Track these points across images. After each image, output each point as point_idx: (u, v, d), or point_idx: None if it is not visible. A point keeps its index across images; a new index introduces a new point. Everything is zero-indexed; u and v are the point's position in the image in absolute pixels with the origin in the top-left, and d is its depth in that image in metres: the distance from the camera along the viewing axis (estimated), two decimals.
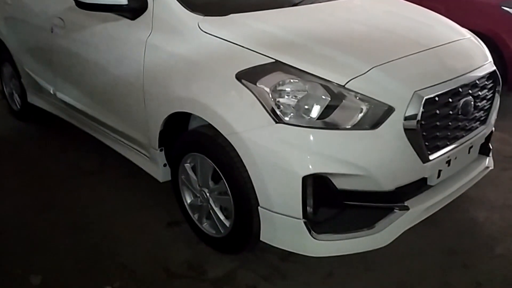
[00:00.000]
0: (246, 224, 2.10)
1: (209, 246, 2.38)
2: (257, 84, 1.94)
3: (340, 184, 1.92)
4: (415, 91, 1.95)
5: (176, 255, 2.35)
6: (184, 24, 2.27)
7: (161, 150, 2.49)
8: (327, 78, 1.93)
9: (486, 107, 2.38)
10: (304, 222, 1.94)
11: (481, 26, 3.85)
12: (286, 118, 1.90)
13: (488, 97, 2.37)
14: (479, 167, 2.45)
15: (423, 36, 2.36)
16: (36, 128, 3.88)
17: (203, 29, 2.20)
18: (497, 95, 2.45)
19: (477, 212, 2.67)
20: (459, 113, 2.13)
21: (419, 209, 2.08)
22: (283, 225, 1.99)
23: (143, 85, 2.39)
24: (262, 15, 2.34)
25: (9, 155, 3.48)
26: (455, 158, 2.18)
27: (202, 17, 2.25)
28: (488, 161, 2.55)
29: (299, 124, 1.89)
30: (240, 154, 1.99)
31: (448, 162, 2.15)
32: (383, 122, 1.91)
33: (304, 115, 1.90)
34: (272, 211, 1.98)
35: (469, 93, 2.18)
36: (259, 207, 2.02)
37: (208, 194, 2.28)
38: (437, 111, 2.03)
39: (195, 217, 2.42)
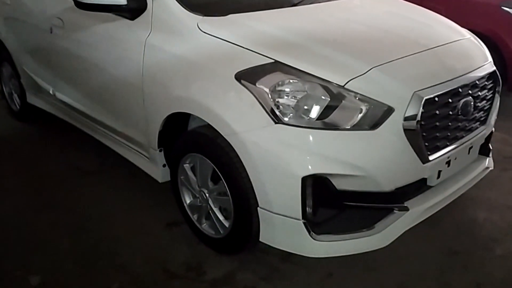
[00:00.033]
0: (245, 224, 2.10)
1: (209, 246, 2.37)
2: (257, 84, 1.94)
3: (339, 184, 1.92)
4: (415, 92, 1.95)
5: (175, 255, 2.35)
6: (183, 24, 2.26)
7: (160, 151, 2.49)
8: (327, 79, 1.92)
9: (486, 108, 2.37)
10: (304, 223, 1.93)
11: (481, 26, 3.85)
12: (286, 119, 1.89)
13: (488, 97, 2.37)
14: (479, 168, 2.45)
15: (423, 36, 2.36)
16: (35, 129, 3.88)
17: (203, 29, 2.19)
18: (497, 95, 2.45)
19: (477, 212, 2.67)
20: (459, 113, 2.13)
21: (418, 210, 2.08)
22: (283, 225, 1.98)
23: (142, 85, 2.39)
24: (262, 15, 2.34)
25: (8, 155, 3.48)
26: (455, 158, 2.17)
27: (201, 17, 2.25)
28: (488, 162, 2.54)
29: (299, 125, 1.88)
30: (239, 155, 1.98)
31: (448, 163, 2.14)
32: (383, 122, 1.90)
33: (304, 116, 1.90)
34: (271, 212, 1.98)
35: (469, 93, 2.17)
36: (258, 208, 2.02)
37: (207, 195, 2.28)
38: (437, 112, 2.03)
39: (194, 217, 2.42)
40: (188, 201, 2.44)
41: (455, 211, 2.62)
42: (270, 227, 2.03)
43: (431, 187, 2.15)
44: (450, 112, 2.10)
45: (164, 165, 2.54)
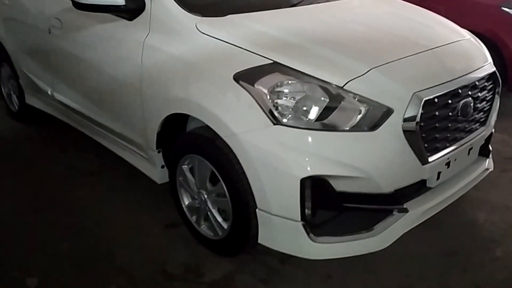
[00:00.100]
0: (244, 226, 2.09)
1: (207, 248, 2.36)
2: (255, 85, 1.93)
3: (338, 186, 1.91)
4: (414, 93, 1.94)
5: (173, 257, 2.34)
6: (181, 25, 2.25)
7: (158, 152, 2.48)
8: (326, 80, 1.91)
9: (485, 109, 2.37)
10: (303, 225, 1.93)
11: (481, 27, 3.84)
12: (284, 120, 1.88)
13: (488, 98, 2.36)
14: (479, 169, 2.44)
15: (423, 37, 2.35)
16: (34, 129, 3.86)
17: (201, 30, 2.18)
18: (497, 96, 2.44)
19: (477, 214, 2.66)
20: (459, 114, 2.12)
21: (418, 211, 2.07)
22: (281, 227, 1.97)
23: (140, 86, 2.38)
24: (260, 16, 2.33)
25: (7, 156, 3.46)
26: (455, 159, 2.17)
27: (200, 17, 2.24)
28: (488, 163, 2.53)
29: (297, 126, 1.87)
30: (237, 156, 1.97)
31: (448, 164, 2.13)
32: (382, 123, 1.89)
33: (303, 117, 1.89)
34: (270, 214, 1.97)
35: (469, 94, 2.17)
36: (257, 209, 2.01)
37: (206, 196, 2.27)
38: (437, 113, 2.02)
39: (193, 219, 2.41)
40: (186, 203, 2.43)
41: (455, 213, 2.60)
42: (269, 229, 2.02)
43: (430, 188, 2.15)
44: (450, 113, 2.09)
45: (162, 166, 2.53)
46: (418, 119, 1.92)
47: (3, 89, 4.13)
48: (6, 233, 2.56)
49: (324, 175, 1.87)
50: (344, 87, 1.90)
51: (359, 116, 1.89)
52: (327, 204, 1.96)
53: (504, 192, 2.87)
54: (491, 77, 2.36)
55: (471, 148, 2.29)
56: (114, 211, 2.72)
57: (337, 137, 1.88)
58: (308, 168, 1.85)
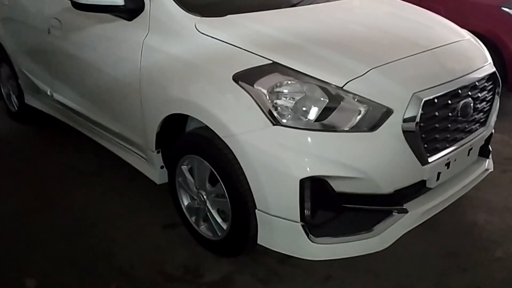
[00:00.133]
0: (243, 227, 2.08)
1: (206, 249, 2.36)
2: (254, 85, 1.92)
3: (338, 186, 1.90)
4: (414, 93, 1.94)
5: (173, 258, 2.34)
6: (181, 25, 2.25)
7: (158, 152, 2.47)
8: (325, 80, 1.91)
9: (485, 109, 2.36)
10: (302, 225, 1.92)
11: (481, 27, 3.84)
12: (284, 120, 1.88)
13: (488, 98, 2.35)
14: (479, 170, 2.43)
15: (422, 37, 2.34)
16: (33, 130, 3.86)
17: (200, 30, 2.18)
18: (496, 96, 2.44)
19: (476, 214, 2.65)
20: (459, 115, 2.11)
21: (418, 212, 2.07)
22: (281, 228, 1.97)
23: (140, 87, 2.38)
24: (260, 16, 2.32)
25: (6, 156, 3.46)
26: (455, 160, 2.16)
27: (199, 18, 2.23)
28: (488, 163, 2.53)
29: (297, 126, 1.87)
30: (237, 157, 1.97)
31: (448, 165, 2.13)
32: (382, 124, 1.89)
33: (302, 117, 1.88)
34: (269, 214, 1.96)
35: (469, 94, 2.16)
36: (256, 210, 2.00)
37: (205, 197, 2.26)
38: (436, 113, 2.02)
39: (192, 219, 2.40)
40: (186, 203, 2.42)
41: (455, 213, 2.60)
42: (268, 230, 2.02)
43: (430, 189, 2.14)
44: (450, 114, 2.08)
45: (161, 167, 2.52)
46: (417, 119, 1.91)
47: (2, 90, 4.13)
48: (5, 234, 2.55)
49: (323, 175, 1.87)
50: (344, 88, 1.89)
51: (359, 117, 1.88)
52: (326, 204, 1.95)
53: (504, 193, 2.87)
54: (491, 77, 2.35)
55: (471, 149, 2.28)
56: (114, 211, 2.72)
57: (337, 137, 1.88)
58: (308, 169, 1.85)
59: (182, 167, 2.33)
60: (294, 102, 1.90)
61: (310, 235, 1.93)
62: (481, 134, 2.34)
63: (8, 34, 3.61)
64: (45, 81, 3.31)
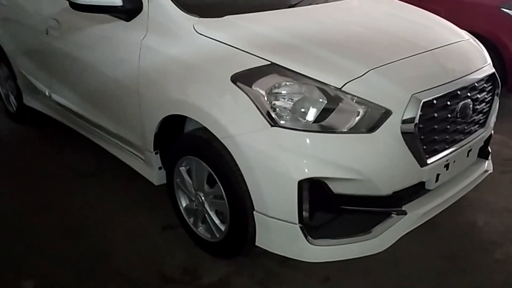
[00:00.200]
0: (241, 228, 2.07)
1: (205, 250, 2.35)
2: (253, 86, 1.92)
3: (336, 188, 1.89)
4: (413, 94, 1.93)
5: (171, 259, 2.33)
6: (179, 25, 2.24)
7: (156, 153, 2.46)
8: (324, 81, 1.90)
9: (485, 110, 2.35)
10: (300, 227, 1.91)
11: (481, 28, 3.83)
12: (282, 122, 1.87)
13: (487, 99, 2.35)
14: (478, 171, 2.43)
15: (421, 38, 2.34)
16: (32, 130, 3.85)
17: (198, 31, 2.17)
18: (496, 97, 2.43)
19: (476, 216, 2.64)
20: (458, 116, 2.11)
21: (417, 214, 2.06)
22: (279, 230, 1.96)
23: (138, 87, 2.37)
24: (258, 16, 2.32)
25: (4, 157, 3.45)
26: (454, 161, 2.15)
27: (197, 18, 2.23)
28: (487, 165, 2.52)
29: (295, 128, 1.86)
30: (235, 158, 1.96)
31: (447, 166, 2.12)
32: (380, 125, 1.88)
33: (300, 118, 1.88)
34: (267, 216, 1.95)
35: (468, 95, 2.15)
36: (254, 212, 1.99)
37: (203, 198, 2.26)
38: (435, 114, 2.01)
39: (190, 221, 2.39)
40: (184, 204, 2.41)
41: (454, 215, 2.59)
42: (266, 231, 2.01)
43: (429, 190, 2.13)
44: (449, 115, 2.08)
45: (160, 168, 2.51)
46: (416, 120, 1.90)
47: (1, 90, 4.12)
48: (3, 234, 2.55)
49: (322, 177, 1.86)
50: (342, 89, 1.88)
51: (357, 118, 1.87)
52: (325, 206, 1.94)
53: (503, 194, 2.86)
54: (490, 78, 2.35)
55: (470, 150, 2.27)
56: (112, 212, 2.71)
57: (335, 139, 1.87)
58: (306, 170, 1.84)
59: (180, 168, 2.32)
60: (292, 103, 1.89)
61: (308, 237, 1.92)
62: (481, 135, 2.33)
63: (7, 34, 3.60)
64: (44, 82, 3.30)
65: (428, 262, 2.29)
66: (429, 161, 2.01)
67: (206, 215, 2.27)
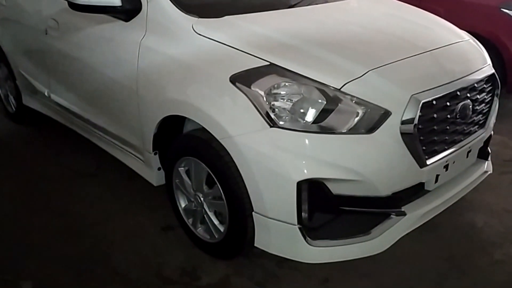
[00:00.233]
0: (240, 229, 2.07)
1: (204, 251, 2.34)
2: (252, 87, 1.91)
3: (335, 189, 1.89)
4: (412, 95, 1.92)
5: (170, 260, 2.32)
6: (178, 26, 2.23)
7: (155, 154, 2.46)
8: (323, 82, 1.90)
9: (484, 111, 2.35)
10: (299, 228, 1.91)
11: (480, 28, 3.82)
12: (281, 122, 1.86)
13: (487, 100, 2.34)
14: (478, 172, 2.42)
15: (421, 39, 2.33)
16: (31, 131, 3.85)
17: (197, 31, 2.16)
18: (495, 98, 2.42)
19: (475, 217, 2.64)
20: (457, 117, 2.10)
21: (416, 215, 2.05)
22: (278, 231, 1.96)
23: (137, 88, 2.36)
24: (257, 17, 2.31)
25: (4, 157, 3.44)
26: (453, 162, 2.15)
27: (196, 19, 2.22)
28: (487, 165, 2.52)
29: (294, 128, 1.86)
30: (234, 159, 1.96)
31: (446, 167, 2.11)
32: (380, 126, 1.87)
33: (300, 119, 1.87)
34: (266, 217, 1.95)
35: (467, 96, 2.15)
36: (253, 213, 1.99)
37: (202, 199, 2.25)
38: (435, 115, 2.00)
39: (189, 221, 2.39)
40: (183, 205, 2.41)
41: (454, 215, 2.59)
42: (265, 232, 2.00)
43: (429, 191, 2.13)
44: (448, 116, 2.07)
45: (159, 169, 2.51)
46: (416, 121, 1.90)
47: (0, 90, 4.11)
48: (1, 235, 2.54)
49: (321, 178, 1.86)
50: (342, 89, 1.88)
51: (357, 119, 1.87)
52: (324, 207, 1.94)
53: (503, 195, 2.85)
54: (490, 79, 2.34)
55: (470, 151, 2.27)
56: (111, 213, 2.70)
57: (334, 139, 1.87)
58: (305, 171, 1.84)
59: (179, 169, 2.32)
60: (291, 103, 1.88)
61: (307, 238, 1.92)
62: (480, 136, 2.32)
63: (6, 34, 3.59)
64: (43, 82, 3.29)
65: (428, 263, 2.29)
66: (428, 162, 2.01)
67: (205, 215, 2.27)
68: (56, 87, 3.16)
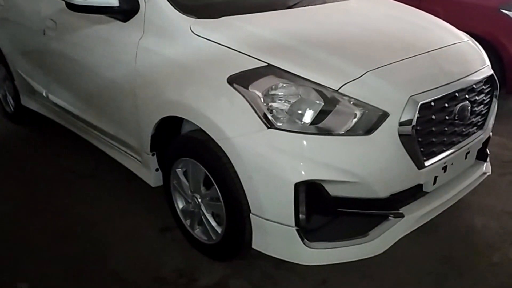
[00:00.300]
0: (238, 231, 2.06)
1: (201, 252, 2.34)
2: (249, 88, 1.90)
3: (333, 191, 1.88)
4: (410, 96, 1.92)
5: (167, 262, 2.31)
6: (176, 26, 2.23)
7: (153, 155, 2.45)
8: (321, 83, 1.89)
9: (483, 112, 2.34)
10: (297, 230, 1.90)
11: (480, 29, 3.81)
12: (279, 123, 1.86)
13: (486, 101, 2.34)
14: (476, 173, 2.41)
15: (420, 39, 2.33)
16: (29, 131, 3.84)
17: (195, 32, 2.16)
18: (494, 99, 2.41)
19: (474, 218, 2.63)
20: (456, 118, 2.10)
21: (414, 217, 2.05)
22: (275, 232, 1.95)
23: (134, 88, 2.36)
24: (255, 17, 2.30)
25: (1, 157, 3.44)
26: (452, 164, 2.14)
27: (194, 19, 2.21)
28: (486, 167, 2.51)
29: (292, 130, 1.85)
30: (231, 160, 1.95)
31: (444, 168, 2.11)
32: (378, 127, 1.87)
33: (297, 120, 1.86)
34: (264, 218, 1.94)
35: (466, 97, 2.14)
36: (250, 214, 1.98)
37: (199, 200, 2.24)
38: (433, 116, 1.99)
39: (187, 223, 2.38)
40: (180, 206, 2.40)
41: (452, 217, 2.58)
42: (263, 234, 1.99)
43: (427, 193, 2.12)
44: (447, 117, 2.06)
45: (157, 170, 2.50)
46: (414, 123, 1.89)
47: None
48: None
49: (318, 179, 1.85)
50: (339, 90, 1.87)
51: (355, 120, 1.86)
52: (321, 209, 1.93)
53: (502, 197, 2.85)
54: (489, 80, 2.33)
55: (468, 152, 2.26)
56: (109, 214, 2.70)
57: (332, 141, 1.86)
58: (303, 173, 1.83)
59: (177, 170, 2.31)
60: (289, 105, 1.87)
61: (305, 239, 1.91)
62: (479, 137, 2.32)
63: (4, 35, 3.58)
64: (41, 83, 3.29)
65: (426, 264, 2.28)
66: (426, 163, 2.00)
67: (202, 217, 2.26)
68: (54, 87, 3.15)
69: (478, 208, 2.71)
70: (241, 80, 1.93)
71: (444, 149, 2.10)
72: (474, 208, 2.71)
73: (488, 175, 2.51)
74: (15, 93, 3.73)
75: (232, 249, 2.16)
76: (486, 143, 2.47)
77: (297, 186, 1.83)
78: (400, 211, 2.01)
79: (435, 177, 2.08)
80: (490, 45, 3.70)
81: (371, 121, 1.87)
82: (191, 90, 2.07)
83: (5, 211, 2.76)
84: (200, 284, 2.18)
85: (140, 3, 2.33)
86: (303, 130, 1.85)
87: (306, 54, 2.02)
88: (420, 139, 1.95)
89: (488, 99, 2.36)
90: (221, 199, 2.07)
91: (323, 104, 1.86)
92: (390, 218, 2.00)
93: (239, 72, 1.95)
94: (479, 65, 2.34)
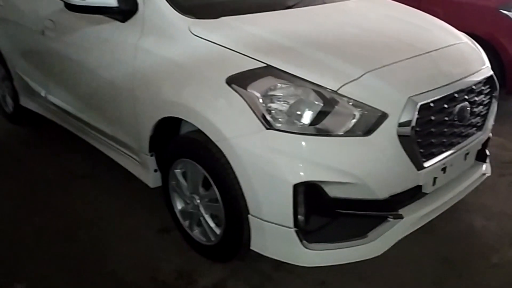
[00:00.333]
0: (236, 232, 2.05)
1: (200, 254, 2.33)
2: (248, 89, 1.90)
3: (332, 192, 1.87)
4: (410, 97, 1.91)
5: (165, 263, 2.31)
6: (174, 27, 2.22)
7: (151, 155, 2.44)
8: (320, 83, 1.88)
9: (482, 113, 2.33)
10: (295, 231, 1.89)
11: (479, 30, 3.81)
12: (277, 124, 1.85)
13: (485, 102, 2.33)
14: (476, 174, 2.41)
15: (419, 40, 2.32)
16: (28, 131, 3.83)
17: (194, 32, 2.15)
18: (494, 100, 2.40)
19: (473, 219, 2.62)
20: (455, 119, 2.09)
21: (413, 218, 2.04)
22: (274, 234, 1.94)
23: (133, 89, 2.35)
24: (254, 18, 2.29)
25: (0, 158, 3.43)
26: (451, 165, 2.13)
27: (193, 20, 2.21)
28: (485, 168, 2.50)
29: (291, 131, 1.84)
30: (230, 161, 1.94)
31: (444, 169, 2.10)
32: (377, 128, 1.86)
33: (296, 121, 1.86)
34: (262, 220, 1.93)
35: (465, 98, 2.13)
36: (249, 215, 1.97)
37: (198, 201, 2.24)
38: (432, 117, 1.99)
39: (185, 224, 2.37)
40: (179, 207, 2.39)
41: (451, 218, 2.57)
42: (261, 235, 1.99)
43: (426, 194, 2.11)
44: (446, 118, 2.06)
45: (155, 170, 2.49)
46: (413, 123, 1.89)
47: None
48: None
49: (317, 180, 1.84)
50: (338, 91, 1.87)
51: (354, 121, 1.86)
52: (320, 210, 1.92)
53: (501, 197, 2.84)
54: (488, 81, 2.33)
55: (468, 153, 2.25)
56: (108, 214, 2.69)
57: (331, 142, 1.85)
58: (301, 174, 1.82)
59: (176, 171, 2.30)
60: (288, 105, 1.87)
61: (303, 241, 1.90)
62: (478, 138, 2.31)
63: (3, 35, 3.57)
64: (40, 83, 3.28)
65: (425, 266, 2.27)
66: (426, 164, 1.99)
67: (201, 218, 2.26)
68: (53, 88, 3.15)
69: (478, 209, 2.71)
70: (239, 81, 1.93)
71: (444, 150, 2.09)
72: (474, 209, 2.71)
73: (488, 176, 2.51)
74: (14, 94, 3.73)
75: (230, 250, 2.16)
76: (485, 144, 2.47)
77: (296, 187, 1.82)
78: (399, 213, 2.01)
79: (435, 178, 2.07)
80: (489, 45, 3.70)
81: (370, 122, 1.86)
82: (190, 90, 2.07)
83: (4, 211, 2.76)
84: (198, 285, 2.17)
85: (139, 4, 2.33)
86: (302, 131, 1.84)
87: (305, 55, 2.01)
88: (419, 140, 1.95)
89: (488, 100, 2.35)
90: (219, 200, 2.06)
91: (322, 105, 1.85)
92: (389, 219, 1.99)
93: (238, 73, 1.95)
94: (479, 65, 2.34)
